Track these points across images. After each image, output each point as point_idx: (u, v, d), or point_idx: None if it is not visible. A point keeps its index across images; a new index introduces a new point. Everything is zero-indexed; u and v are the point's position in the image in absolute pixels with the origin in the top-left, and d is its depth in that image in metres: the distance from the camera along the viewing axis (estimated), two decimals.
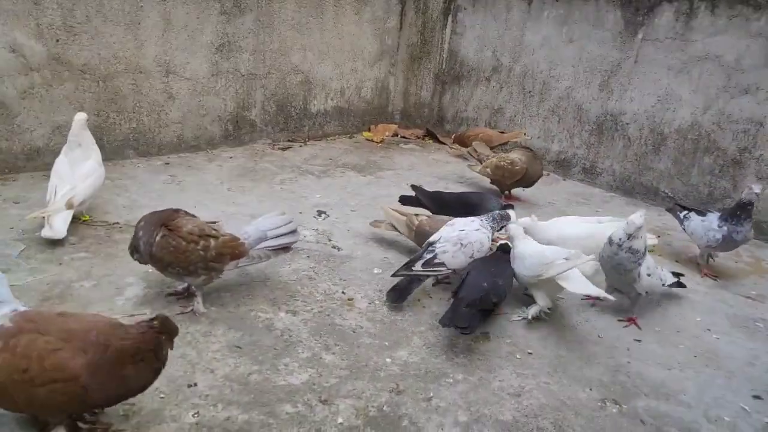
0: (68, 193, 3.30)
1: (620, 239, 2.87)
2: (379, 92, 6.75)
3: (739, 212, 3.53)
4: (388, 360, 2.59)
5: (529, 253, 2.93)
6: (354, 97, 6.50)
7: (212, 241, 2.68)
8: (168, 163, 4.90)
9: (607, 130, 5.38)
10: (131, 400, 1.98)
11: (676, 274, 3.32)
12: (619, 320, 3.09)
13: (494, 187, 4.83)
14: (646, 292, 3.06)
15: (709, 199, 4.82)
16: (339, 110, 6.41)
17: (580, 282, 2.83)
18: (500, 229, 3.26)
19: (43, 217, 3.23)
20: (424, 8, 6.61)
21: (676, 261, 3.93)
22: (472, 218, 3.19)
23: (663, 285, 3.17)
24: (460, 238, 3.03)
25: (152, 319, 1.93)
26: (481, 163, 4.87)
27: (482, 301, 2.68)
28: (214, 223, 2.85)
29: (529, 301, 3.04)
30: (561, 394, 2.48)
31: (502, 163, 4.60)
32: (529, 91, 5.91)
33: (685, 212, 3.81)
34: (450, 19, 6.47)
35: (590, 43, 5.35)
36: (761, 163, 4.52)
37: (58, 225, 3.21)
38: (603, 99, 5.36)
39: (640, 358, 2.79)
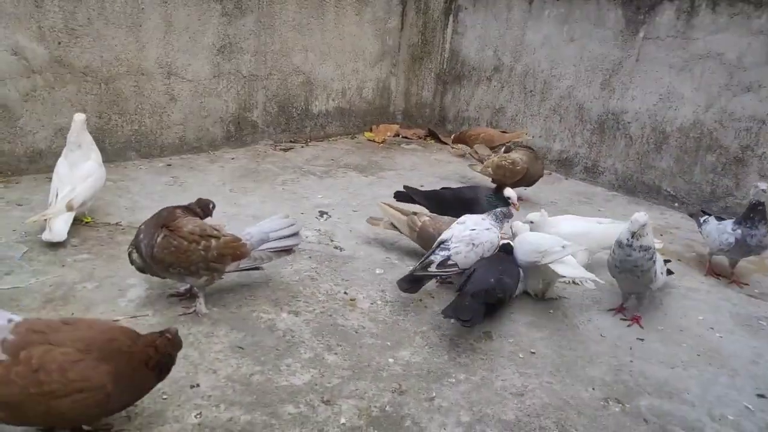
0: (68, 194, 3.31)
1: (628, 240, 2.86)
2: (381, 92, 6.76)
3: (752, 215, 3.42)
4: (391, 360, 2.59)
5: (528, 241, 3.08)
6: (355, 97, 6.50)
7: (213, 242, 2.68)
8: (170, 165, 4.91)
9: (609, 129, 5.38)
10: None
11: (665, 261, 3.33)
12: (623, 319, 3.08)
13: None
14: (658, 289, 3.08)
15: (711, 197, 4.81)
16: (340, 111, 6.41)
17: (571, 267, 3.00)
18: (503, 226, 3.26)
19: (44, 220, 3.24)
20: (425, 8, 6.61)
21: (679, 260, 3.92)
22: (482, 216, 3.20)
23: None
24: (472, 239, 3.02)
25: (163, 331, 1.99)
26: (482, 163, 4.87)
27: (488, 293, 2.73)
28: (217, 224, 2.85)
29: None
30: (564, 393, 2.48)
31: (503, 162, 4.59)
32: (531, 91, 5.91)
33: (705, 216, 3.74)
34: (451, 18, 6.47)
35: (591, 42, 5.34)
36: (764, 161, 4.51)
37: (59, 228, 3.22)
38: (604, 98, 5.35)
39: (643, 357, 2.79)
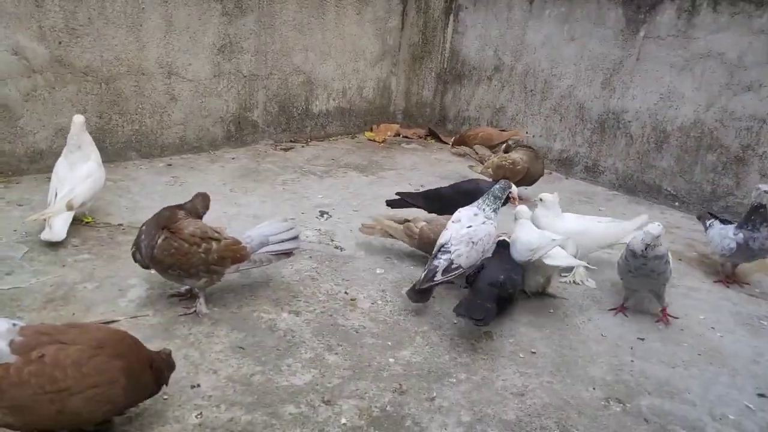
0: (68, 194, 3.31)
1: (642, 251, 2.85)
2: (381, 92, 6.75)
3: (753, 217, 3.39)
4: (391, 360, 2.59)
5: (521, 240, 3.10)
6: (356, 97, 6.50)
7: (214, 244, 2.68)
8: (170, 165, 4.91)
9: (610, 129, 5.37)
10: None
11: None
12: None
13: None
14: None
15: (712, 196, 4.81)
16: (341, 110, 6.41)
17: (559, 256, 3.06)
18: (506, 203, 3.21)
19: (44, 220, 3.24)
20: (426, 8, 6.60)
21: (680, 259, 3.92)
22: (473, 209, 3.09)
23: None
24: (471, 236, 2.98)
25: (159, 351, 2.09)
26: (482, 164, 4.86)
27: (502, 287, 2.80)
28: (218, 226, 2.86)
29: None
30: (564, 393, 2.48)
31: (503, 162, 4.59)
32: (531, 90, 5.90)
33: (712, 220, 3.67)
34: (451, 18, 6.47)
35: (592, 41, 5.34)
36: (764, 161, 4.50)
37: (58, 227, 3.22)
38: (605, 97, 5.35)
39: (644, 357, 2.79)
